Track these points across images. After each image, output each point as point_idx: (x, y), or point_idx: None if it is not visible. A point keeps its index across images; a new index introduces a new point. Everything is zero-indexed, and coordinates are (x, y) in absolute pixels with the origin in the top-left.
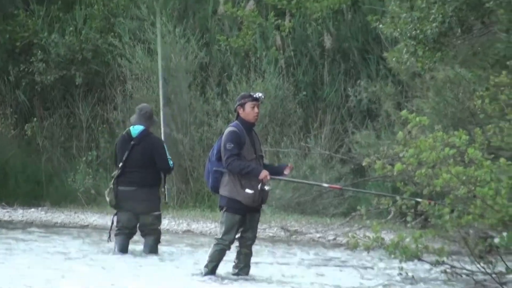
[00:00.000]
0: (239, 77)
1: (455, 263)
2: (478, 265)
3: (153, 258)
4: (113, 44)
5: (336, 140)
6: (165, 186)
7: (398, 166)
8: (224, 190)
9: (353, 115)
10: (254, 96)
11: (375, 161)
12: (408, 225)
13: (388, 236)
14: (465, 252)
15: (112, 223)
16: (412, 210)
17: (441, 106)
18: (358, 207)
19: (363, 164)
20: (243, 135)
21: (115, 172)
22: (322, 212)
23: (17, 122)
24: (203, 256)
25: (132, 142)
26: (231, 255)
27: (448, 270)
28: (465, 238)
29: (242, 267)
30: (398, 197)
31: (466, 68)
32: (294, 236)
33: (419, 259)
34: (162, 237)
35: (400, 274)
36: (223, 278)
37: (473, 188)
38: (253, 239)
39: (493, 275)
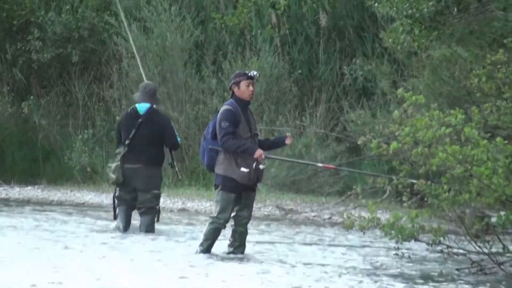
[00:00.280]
0: (235, 55)
1: (452, 243)
2: (475, 245)
3: (149, 237)
4: (109, 23)
5: (332, 119)
6: (175, 164)
7: (394, 145)
8: (219, 169)
9: (348, 93)
10: (249, 74)
11: (370, 140)
12: (404, 204)
13: (384, 216)
14: (461, 231)
15: (114, 201)
16: (408, 190)
17: (437, 85)
18: (354, 186)
19: (359, 142)
20: (238, 113)
21: (120, 149)
22: (317, 191)
23: (14, 100)
24: (199, 235)
25: (139, 120)
26: (226, 234)
27: (444, 250)
28: (461, 218)
29: (238, 246)
30: (394, 177)
31: (462, 46)
32: (289, 215)
33: (416, 239)
34: None
35: (396, 254)
36: (218, 257)
37: (469, 167)
38: (248, 217)
39: (490, 255)
